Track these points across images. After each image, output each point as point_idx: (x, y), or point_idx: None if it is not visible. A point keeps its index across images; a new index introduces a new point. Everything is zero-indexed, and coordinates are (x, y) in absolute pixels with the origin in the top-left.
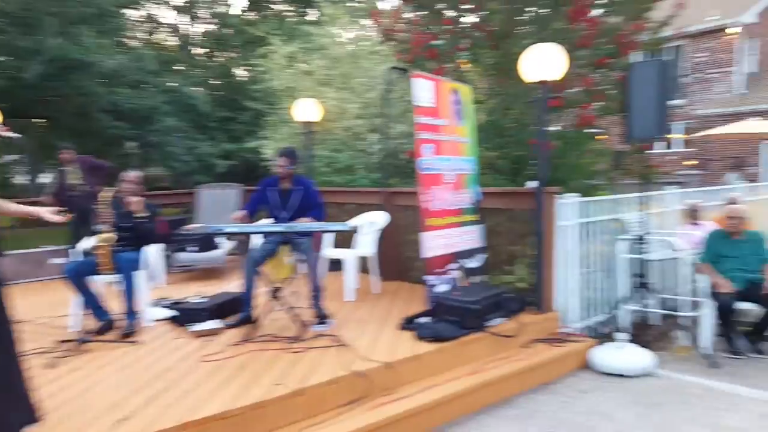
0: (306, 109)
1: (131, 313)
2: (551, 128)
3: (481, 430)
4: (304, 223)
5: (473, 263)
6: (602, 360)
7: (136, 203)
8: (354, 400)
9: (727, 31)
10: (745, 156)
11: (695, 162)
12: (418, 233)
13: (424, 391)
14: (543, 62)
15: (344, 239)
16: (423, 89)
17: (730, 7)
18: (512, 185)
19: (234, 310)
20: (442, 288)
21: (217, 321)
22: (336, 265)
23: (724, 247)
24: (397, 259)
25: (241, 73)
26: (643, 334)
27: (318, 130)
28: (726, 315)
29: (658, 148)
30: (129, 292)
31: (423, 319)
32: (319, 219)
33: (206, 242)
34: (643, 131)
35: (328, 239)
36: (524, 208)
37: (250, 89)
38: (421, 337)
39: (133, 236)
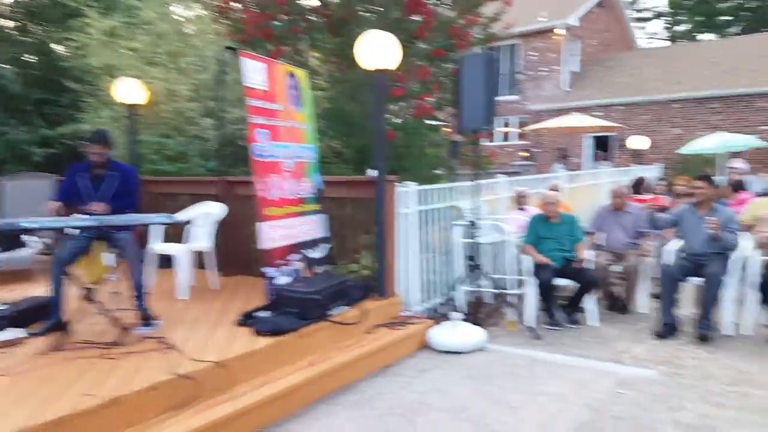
0: (128, 90)
1: None
2: (395, 118)
3: (320, 419)
4: (122, 216)
5: (316, 253)
6: (439, 339)
7: None
8: (180, 404)
9: (555, 32)
10: (571, 147)
11: (527, 153)
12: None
13: (260, 388)
14: (377, 50)
15: (176, 233)
16: (254, 71)
17: (558, 9)
18: (358, 174)
19: (40, 316)
20: (282, 280)
21: (19, 330)
22: (169, 261)
23: (544, 229)
24: (239, 253)
25: (60, 49)
26: (477, 312)
27: (144, 113)
28: (546, 291)
29: (497, 141)
30: None
31: (262, 313)
32: (131, 209)
33: (10, 241)
34: (473, 122)
35: (157, 233)
36: (368, 196)
37: (70, 68)
38: (259, 332)
39: None
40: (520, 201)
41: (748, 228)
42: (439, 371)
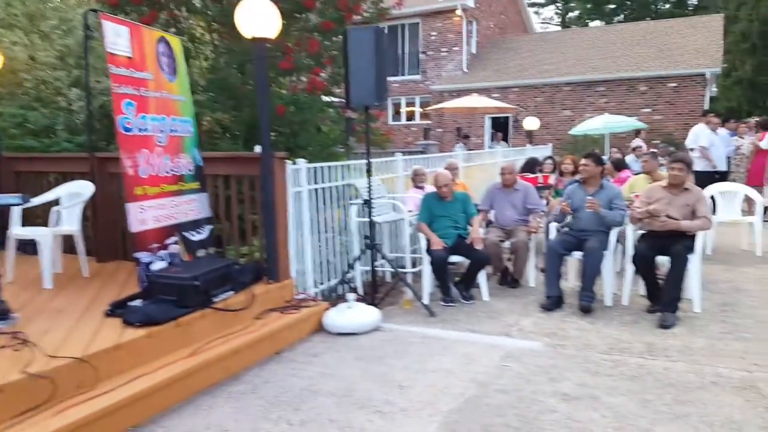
0: None
1: None
2: (284, 92)
3: (199, 413)
4: None
5: (198, 235)
6: (334, 321)
7: None
8: (35, 407)
9: (457, 12)
10: (473, 128)
11: (431, 132)
12: None
13: (132, 382)
14: (255, 17)
15: (45, 215)
16: (117, 35)
17: None
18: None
19: None
20: (157, 265)
21: None
22: (35, 247)
23: (437, 207)
24: (115, 237)
25: None
26: (374, 292)
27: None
28: (440, 269)
29: (403, 120)
30: None
31: (136, 303)
32: None
33: None
34: (362, 98)
35: (17, 216)
36: (259, 174)
37: None
38: (128, 323)
39: None
40: (417, 179)
41: (627, 204)
42: (331, 354)
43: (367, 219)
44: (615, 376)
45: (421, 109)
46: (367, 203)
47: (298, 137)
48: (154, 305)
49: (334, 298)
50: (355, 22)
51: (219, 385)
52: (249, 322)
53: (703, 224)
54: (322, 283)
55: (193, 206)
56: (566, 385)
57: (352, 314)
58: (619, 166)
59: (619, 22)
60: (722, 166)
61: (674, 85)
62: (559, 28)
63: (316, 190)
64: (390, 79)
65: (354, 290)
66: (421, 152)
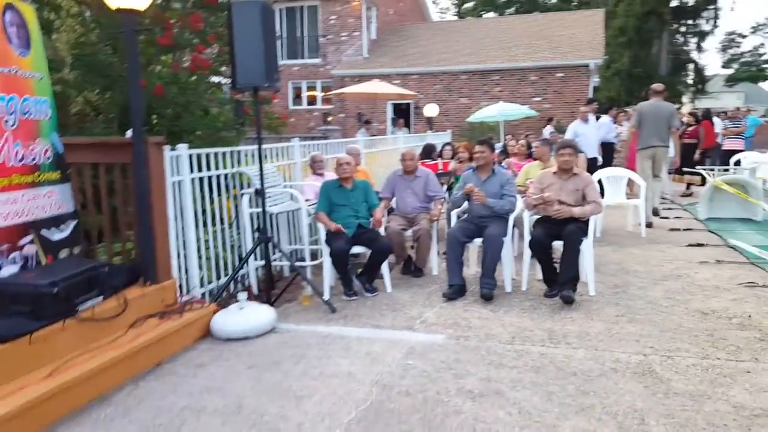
0: None
1: None
2: (165, 71)
3: None
4: None
5: (60, 234)
6: (223, 326)
7: None
8: None
9: None
10: (376, 114)
11: (331, 118)
12: None
13: None
14: None
15: None
16: None
17: None
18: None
19: None
20: (8, 270)
21: None
22: None
23: (337, 196)
24: None
25: None
26: (270, 289)
27: None
28: (340, 260)
29: (303, 105)
30: None
31: None
32: None
33: None
34: (249, 78)
35: None
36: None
37: None
38: None
39: None
40: (315, 166)
41: (522, 191)
42: (219, 364)
43: (260, 209)
44: (519, 368)
45: (322, 94)
46: (259, 193)
47: (181, 120)
48: (2, 319)
49: (225, 297)
50: None
51: (85, 409)
52: (122, 331)
53: (594, 209)
54: (210, 282)
55: (52, 200)
56: (471, 381)
57: (244, 316)
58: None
59: (510, 14)
60: (591, 154)
61: (561, 75)
62: (455, 18)
63: (201, 178)
64: (289, 62)
65: (246, 288)
66: (323, 138)
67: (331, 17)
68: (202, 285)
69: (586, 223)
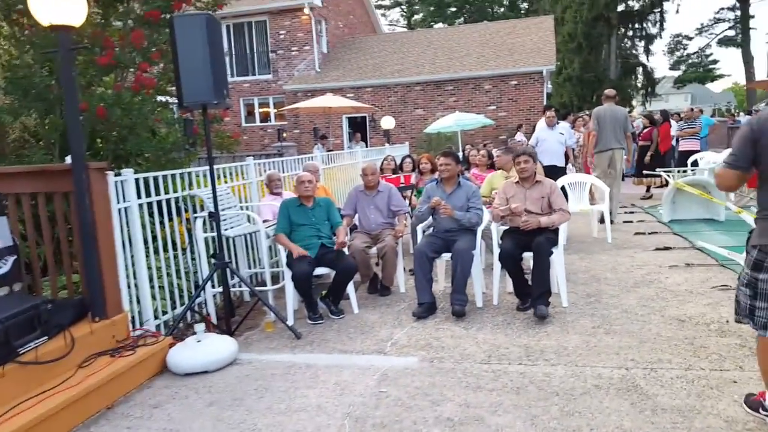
0: None
1: None
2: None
3: None
4: None
5: None
6: (180, 360)
7: None
8: None
9: (305, 11)
10: (332, 128)
11: (286, 134)
12: None
13: None
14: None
15: None
16: None
17: None
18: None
19: None
20: None
21: None
22: None
23: (298, 215)
24: None
25: None
26: (229, 316)
27: None
28: (303, 283)
29: (257, 122)
30: None
31: None
32: None
33: None
34: (197, 96)
35: None
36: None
37: None
38: None
39: None
40: (272, 185)
41: (488, 202)
42: (177, 403)
43: (215, 233)
44: (498, 390)
45: (275, 110)
46: (213, 216)
47: (127, 143)
48: None
49: (182, 329)
50: (184, 9)
51: None
52: (70, 373)
53: (561, 217)
54: (166, 313)
55: None
56: (449, 407)
57: (202, 349)
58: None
59: (460, 24)
60: (553, 161)
61: (515, 82)
62: (406, 30)
63: (150, 203)
64: (239, 78)
65: (204, 318)
66: (278, 155)
67: (281, 32)
68: (156, 317)
69: (555, 232)
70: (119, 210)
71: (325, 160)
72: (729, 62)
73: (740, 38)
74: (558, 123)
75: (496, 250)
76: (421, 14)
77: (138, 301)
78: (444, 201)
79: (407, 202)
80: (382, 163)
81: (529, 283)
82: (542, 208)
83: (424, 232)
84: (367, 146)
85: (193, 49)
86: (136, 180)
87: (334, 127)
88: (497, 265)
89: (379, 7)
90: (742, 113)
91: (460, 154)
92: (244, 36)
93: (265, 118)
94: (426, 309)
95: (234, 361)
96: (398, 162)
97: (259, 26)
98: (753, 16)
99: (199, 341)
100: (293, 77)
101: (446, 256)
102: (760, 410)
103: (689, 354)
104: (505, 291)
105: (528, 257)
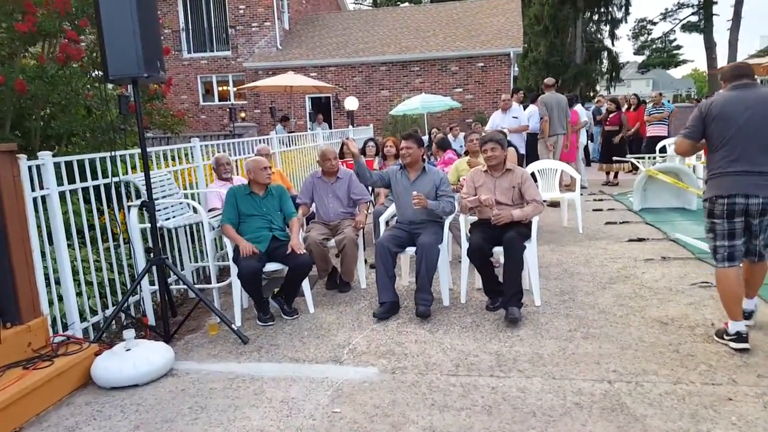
0: None
1: None
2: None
3: None
4: None
5: None
6: (105, 371)
7: None
8: None
9: None
10: (294, 109)
11: (244, 114)
12: None
13: None
14: None
15: None
16: None
17: None
18: None
19: None
20: None
21: None
22: None
23: (247, 204)
24: None
25: None
26: (173, 315)
27: None
28: (252, 280)
29: (215, 101)
30: None
31: None
32: None
33: None
34: (124, 69)
35: None
36: None
37: None
38: None
39: None
40: (221, 170)
41: (455, 190)
42: (96, 425)
43: (151, 224)
44: (467, 410)
45: (234, 89)
46: (146, 205)
47: (56, 122)
48: None
49: (114, 331)
50: None
51: None
52: None
53: (535, 209)
54: (96, 314)
55: None
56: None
57: (131, 359)
58: (444, 145)
59: (427, 4)
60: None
61: (482, 64)
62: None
63: (70, 191)
64: (197, 55)
65: (137, 320)
66: (237, 135)
67: (240, 6)
68: (84, 318)
69: (528, 225)
70: (35, 199)
71: (285, 141)
72: (692, 48)
73: (703, 24)
74: (525, 107)
75: (465, 244)
76: None
77: (62, 300)
78: (404, 187)
79: (369, 189)
80: (342, 147)
81: (500, 279)
82: (513, 198)
83: (387, 223)
84: (331, 128)
85: (120, 13)
86: (57, 164)
87: (296, 108)
88: (465, 260)
89: None
90: (704, 99)
91: (426, 137)
92: (202, 10)
93: (224, 96)
94: (388, 309)
95: (169, 372)
96: (360, 146)
97: (216, 0)
98: (716, 2)
99: (128, 349)
100: (253, 54)
101: (411, 250)
102: (724, 336)
103: (676, 364)
104: (474, 288)
105: (498, 251)
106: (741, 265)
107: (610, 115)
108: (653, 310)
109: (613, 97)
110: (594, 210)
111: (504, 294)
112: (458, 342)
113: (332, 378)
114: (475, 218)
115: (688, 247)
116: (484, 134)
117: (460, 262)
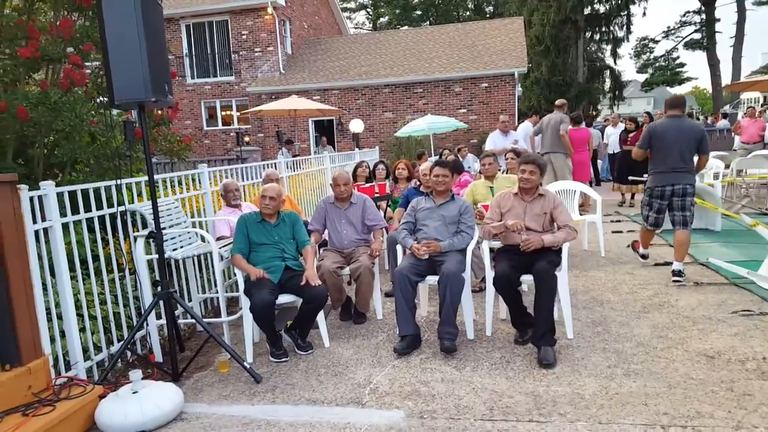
0: None
1: None
2: (33, 89)
3: None
4: None
5: None
6: (110, 417)
7: None
8: None
9: (268, 10)
10: (297, 132)
11: (248, 138)
12: None
13: None
14: None
15: None
16: None
17: None
18: None
19: None
20: None
21: None
22: None
23: (258, 233)
24: None
25: None
26: (176, 352)
27: None
28: (264, 314)
29: (219, 125)
30: None
31: None
32: None
33: None
34: (130, 92)
35: None
36: None
37: None
38: None
39: None
40: (229, 196)
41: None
42: None
43: (158, 255)
44: None
45: (238, 113)
46: (154, 236)
47: (60, 149)
48: None
49: (120, 369)
50: None
51: None
52: None
53: (567, 235)
54: (100, 350)
55: None
56: None
57: (138, 403)
58: (458, 168)
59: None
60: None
61: (486, 85)
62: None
63: (78, 222)
64: (200, 80)
65: (146, 356)
66: (242, 160)
67: (243, 32)
68: (87, 356)
69: (558, 253)
70: (37, 231)
71: (291, 166)
72: (694, 66)
73: (706, 41)
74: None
75: (489, 272)
76: (387, 17)
77: (64, 337)
78: (428, 210)
79: (381, 213)
80: (356, 170)
81: (528, 311)
82: (543, 225)
83: (404, 250)
84: (335, 150)
85: (127, 35)
86: (60, 194)
87: (299, 131)
88: (491, 289)
89: (345, 9)
90: (711, 117)
91: (434, 158)
92: (205, 36)
93: (227, 121)
94: (409, 344)
95: (179, 416)
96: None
97: (220, 26)
98: (719, 20)
99: (135, 392)
100: (256, 79)
101: (432, 279)
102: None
103: (733, 405)
104: (498, 318)
105: (525, 280)
106: (657, 231)
107: (630, 135)
108: (696, 342)
109: (631, 116)
110: (613, 232)
111: (535, 329)
112: (489, 381)
113: (355, 423)
114: (498, 243)
115: (721, 272)
116: (525, 155)
117: (475, 291)
